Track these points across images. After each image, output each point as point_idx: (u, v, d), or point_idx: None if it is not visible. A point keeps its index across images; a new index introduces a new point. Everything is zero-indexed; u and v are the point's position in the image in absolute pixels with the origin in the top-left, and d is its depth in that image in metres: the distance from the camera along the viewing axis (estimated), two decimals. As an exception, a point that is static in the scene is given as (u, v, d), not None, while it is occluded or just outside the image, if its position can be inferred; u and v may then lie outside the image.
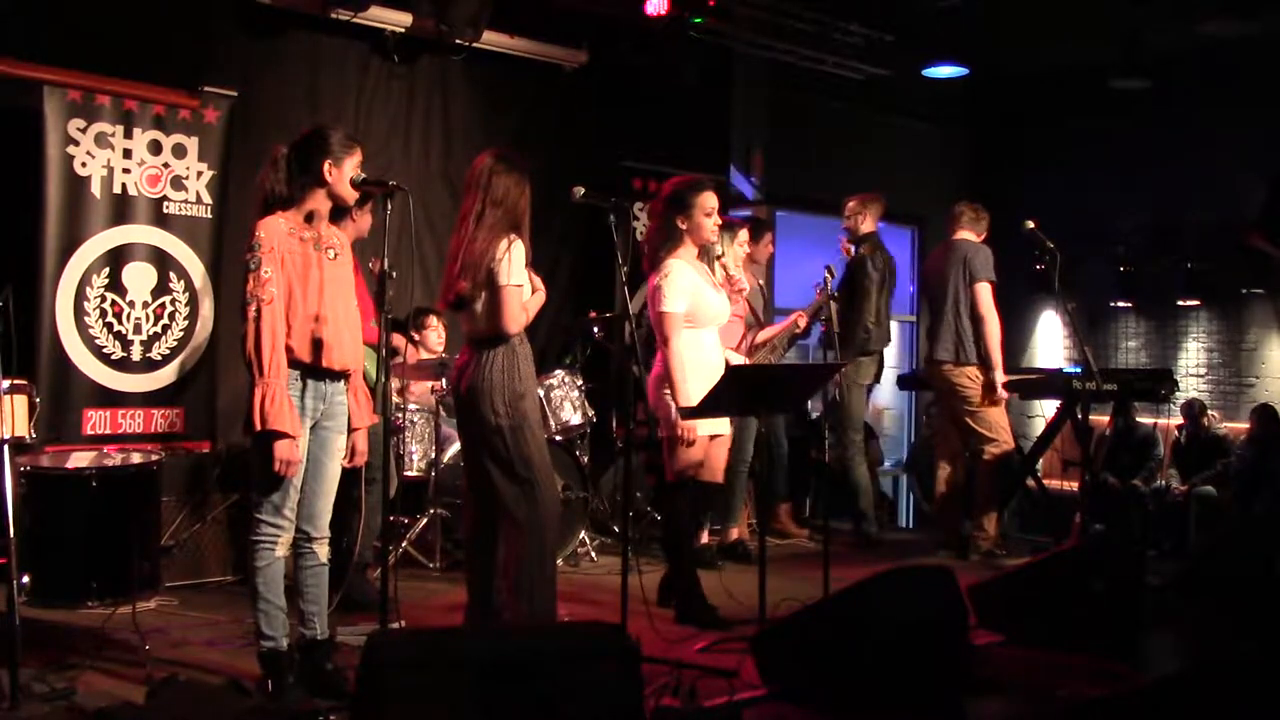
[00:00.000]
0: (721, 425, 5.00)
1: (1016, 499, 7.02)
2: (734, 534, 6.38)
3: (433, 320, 6.27)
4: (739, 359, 5.63)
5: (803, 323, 6.36)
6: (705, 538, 6.23)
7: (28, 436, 4.35)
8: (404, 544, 5.78)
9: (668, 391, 4.76)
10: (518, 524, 4.11)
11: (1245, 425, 8.70)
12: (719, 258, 5.61)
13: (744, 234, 6.19)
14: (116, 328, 5.48)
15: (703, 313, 4.85)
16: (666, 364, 4.79)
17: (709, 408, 4.53)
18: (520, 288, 4.12)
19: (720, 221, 5.06)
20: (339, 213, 4.18)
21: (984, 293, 6.31)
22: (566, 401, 6.15)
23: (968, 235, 6.52)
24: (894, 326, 7.43)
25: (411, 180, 6.16)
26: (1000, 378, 6.28)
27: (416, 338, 6.34)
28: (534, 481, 4.12)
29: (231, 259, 5.39)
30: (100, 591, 4.36)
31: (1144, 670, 4.27)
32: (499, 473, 4.13)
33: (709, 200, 4.87)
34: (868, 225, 6.77)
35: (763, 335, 6.42)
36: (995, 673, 4.08)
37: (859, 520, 6.89)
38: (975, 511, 6.43)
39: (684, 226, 4.85)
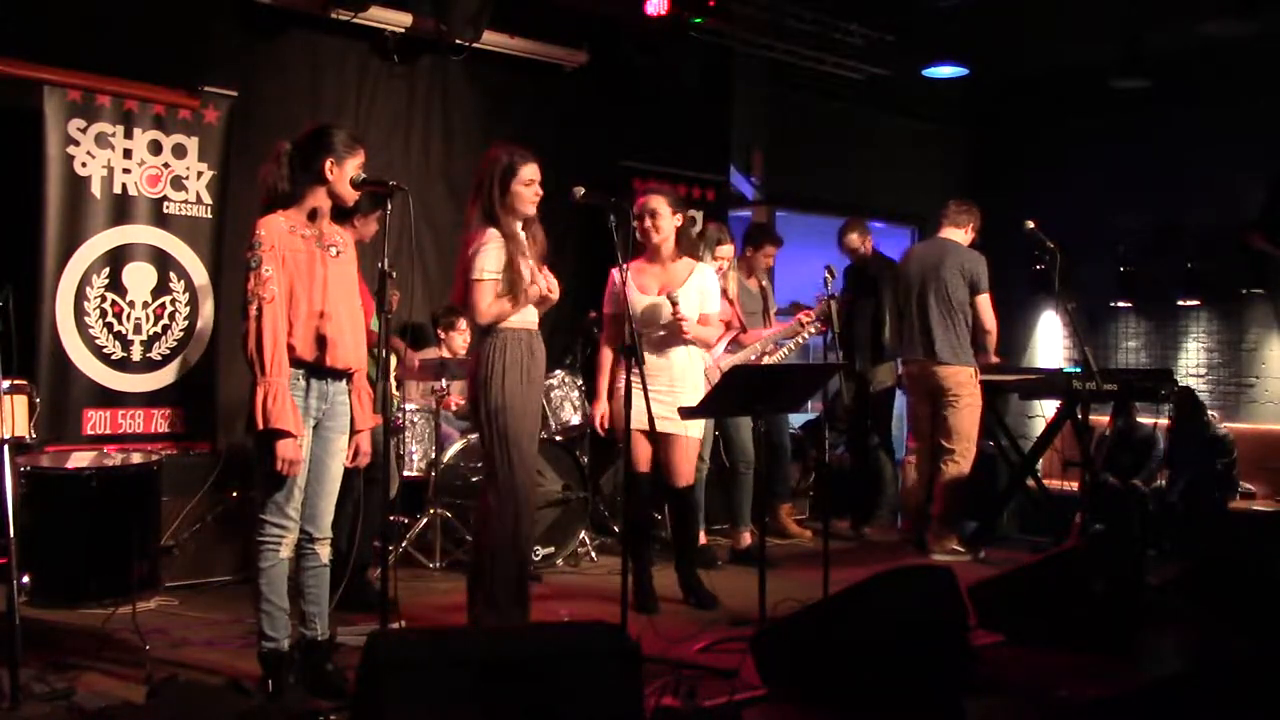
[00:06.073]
0: (676, 425, 4.83)
1: (1016, 499, 7.02)
2: (746, 538, 6.21)
3: (461, 324, 6.21)
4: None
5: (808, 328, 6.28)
6: (703, 538, 6.22)
7: (28, 436, 4.35)
8: (404, 544, 5.78)
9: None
10: (490, 520, 4.16)
11: (1246, 425, 8.67)
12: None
13: (729, 247, 6.15)
14: (116, 328, 5.48)
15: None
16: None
17: (710, 407, 4.54)
18: (491, 281, 4.19)
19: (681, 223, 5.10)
20: (342, 216, 4.18)
21: (987, 303, 6.44)
22: (566, 401, 6.14)
23: (951, 233, 6.54)
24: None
25: (411, 180, 6.16)
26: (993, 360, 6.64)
27: (443, 337, 6.33)
28: (514, 484, 4.16)
29: (232, 259, 5.40)
30: (100, 591, 4.35)
31: (1144, 670, 4.27)
32: (485, 467, 4.25)
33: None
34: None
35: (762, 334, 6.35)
36: (995, 673, 4.08)
37: (873, 512, 7.25)
38: (935, 524, 6.43)
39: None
